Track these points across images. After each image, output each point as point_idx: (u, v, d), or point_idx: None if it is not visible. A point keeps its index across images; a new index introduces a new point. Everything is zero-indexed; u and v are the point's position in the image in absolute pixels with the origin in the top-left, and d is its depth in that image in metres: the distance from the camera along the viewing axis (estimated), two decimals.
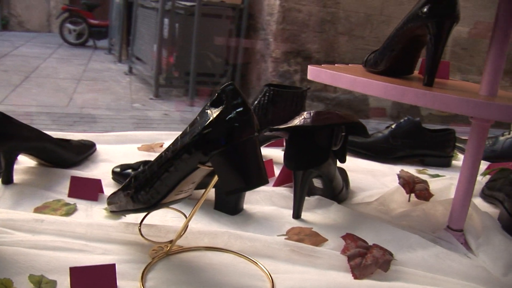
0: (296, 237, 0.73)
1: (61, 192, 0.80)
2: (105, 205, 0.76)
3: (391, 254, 0.68)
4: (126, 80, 4.15)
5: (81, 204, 0.77)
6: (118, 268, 0.56)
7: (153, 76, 3.69)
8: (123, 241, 0.66)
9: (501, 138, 1.20)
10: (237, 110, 0.52)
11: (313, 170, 0.78)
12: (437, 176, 1.08)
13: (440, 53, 0.72)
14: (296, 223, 0.78)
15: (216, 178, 0.56)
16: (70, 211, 0.74)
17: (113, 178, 0.85)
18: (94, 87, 3.77)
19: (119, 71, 4.36)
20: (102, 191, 0.80)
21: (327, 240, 0.73)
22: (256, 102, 1.04)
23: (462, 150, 1.24)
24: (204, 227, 0.73)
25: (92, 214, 0.74)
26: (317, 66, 0.78)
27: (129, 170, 0.84)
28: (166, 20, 3.64)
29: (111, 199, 0.65)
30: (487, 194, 0.95)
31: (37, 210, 0.73)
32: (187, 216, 0.62)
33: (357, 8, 3.93)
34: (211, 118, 0.52)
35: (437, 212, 0.84)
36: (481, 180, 1.06)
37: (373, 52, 0.81)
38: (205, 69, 3.90)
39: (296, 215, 0.80)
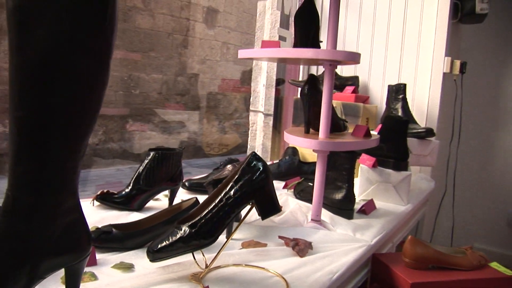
0: (252, 247, 1.06)
1: None
2: (109, 265, 0.90)
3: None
4: None
5: (90, 271, 0.88)
6: None
7: None
8: (170, 279, 0.86)
9: (281, 162, 1.79)
10: (265, 165, 0.86)
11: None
12: None
13: (310, 115, 1.23)
14: (235, 242, 1.10)
15: (249, 209, 0.87)
16: (93, 276, 0.85)
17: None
18: None
19: None
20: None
21: (266, 244, 1.09)
22: (146, 165, 1.27)
23: None
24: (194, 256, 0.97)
25: (111, 274, 0.87)
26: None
27: (114, 231, 0.98)
28: None
29: (161, 250, 0.84)
30: (304, 199, 1.48)
31: None
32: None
33: None
34: (256, 172, 0.84)
35: (297, 215, 1.31)
36: (287, 192, 1.61)
37: None
38: None
39: (229, 236, 1.13)
